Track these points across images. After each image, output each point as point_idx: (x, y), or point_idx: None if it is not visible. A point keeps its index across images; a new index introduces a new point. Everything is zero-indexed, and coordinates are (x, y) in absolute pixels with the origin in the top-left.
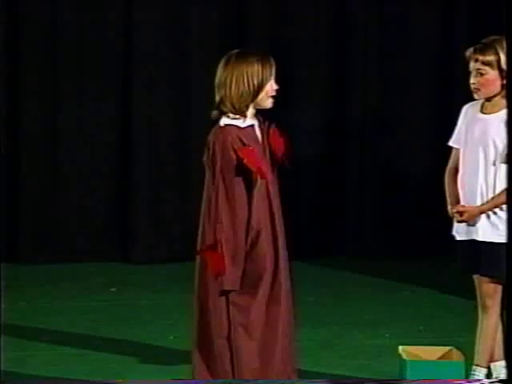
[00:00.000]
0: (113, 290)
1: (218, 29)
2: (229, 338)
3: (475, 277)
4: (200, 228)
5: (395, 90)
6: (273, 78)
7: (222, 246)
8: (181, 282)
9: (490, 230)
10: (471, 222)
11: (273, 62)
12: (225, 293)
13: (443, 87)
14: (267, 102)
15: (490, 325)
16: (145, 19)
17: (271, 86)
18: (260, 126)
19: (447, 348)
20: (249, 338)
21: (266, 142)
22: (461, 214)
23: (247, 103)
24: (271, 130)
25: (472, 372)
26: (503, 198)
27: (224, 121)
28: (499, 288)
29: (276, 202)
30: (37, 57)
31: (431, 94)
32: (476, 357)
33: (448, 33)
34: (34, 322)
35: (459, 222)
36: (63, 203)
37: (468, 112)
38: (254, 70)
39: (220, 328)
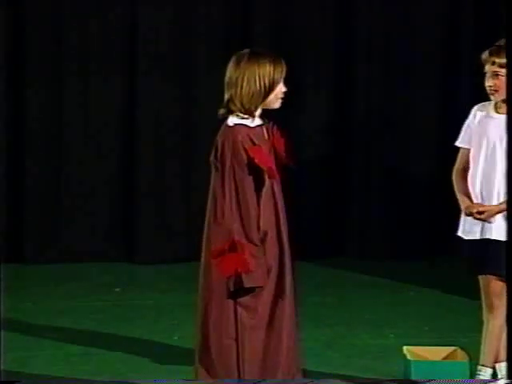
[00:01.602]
0: (117, 290)
1: (223, 27)
2: (236, 339)
3: (481, 277)
4: (205, 228)
5: (399, 90)
6: (283, 79)
7: (242, 247)
8: (185, 281)
9: (504, 229)
10: (491, 220)
11: (284, 64)
12: (232, 293)
13: (447, 88)
14: (276, 104)
15: (496, 325)
16: (150, 14)
17: (280, 88)
18: (265, 126)
19: (452, 348)
20: (256, 338)
21: (271, 142)
22: (480, 213)
23: (257, 104)
24: (274, 131)
25: (477, 372)
26: None
27: (233, 120)
28: (505, 287)
29: (281, 203)
30: (41, 51)
31: (435, 94)
32: (482, 357)
33: (452, 33)
34: (39, 321)
35: (478, 220)
36: (67, 203)
37: (480, 112)
38: (265, 71)
39: (227, 329)
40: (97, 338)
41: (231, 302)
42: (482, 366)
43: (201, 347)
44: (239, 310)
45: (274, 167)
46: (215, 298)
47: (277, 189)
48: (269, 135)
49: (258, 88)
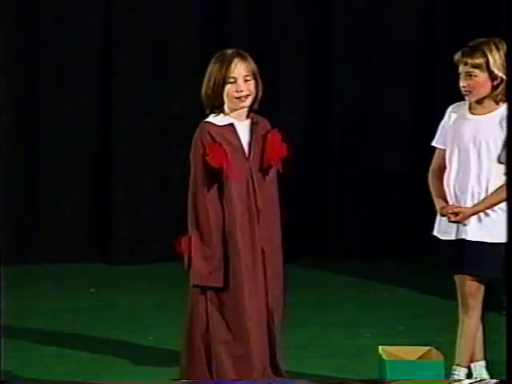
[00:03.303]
0: (92, 290)
1: (198, 28)
2: (207, 335)
3: (457, 277)
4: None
5: (374, 90)
6: (238, 78)
7: (191, 242)
8: (161, 282)
9: (479, 230)
10: (465, 222)
11: (233, 64)
12: (203, 290)
13: (422, 88)
14: (234, 104)
15: (471, 325)
16: (125, 16)
17: (231, 88)
18: (251, 128)
19: (427, 348)
20: (225, 335)
21: (258, 144)
22: (455, 214)
23: (213, 103)
24: (269, 134)
25: (452, 371)
26: (496, 198)
27: (207, 118)
28: (482, 288)
29: (260, 204)
30: (15, 51)
31: (410, 94)
32: (457, 356)
33: (428, 33)
34: (14, 322)
35: (453, 222)
36: (42, 204)
37: (454, 113)
38: (212, 72)
39: (198, 325)
40: (72, 339)
41: (203, 298)
42: (457, 365)
43: (184, 345)
44: (209, 306)
45: (227, 166)
46: (192, 295)
47: (256, 190)
48: (251, 137)
49: (209, 88)
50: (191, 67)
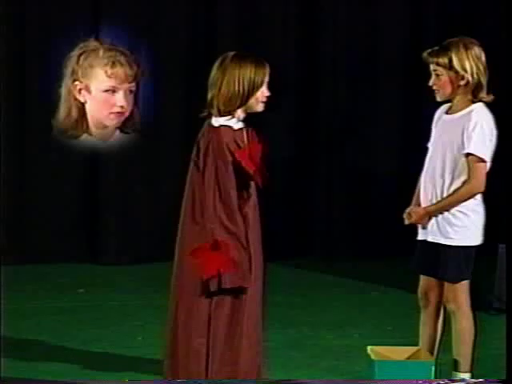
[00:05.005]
0: (81, 291)
1: (185, 31)
2: (208, 337)
3: (427, 278)
4: (180, 227)
5: (362, 91)
6: (265, 83)
7: (226, 247)
8: (149, 282)
9: (438, 232)
10: (422, 223)
11: (267, 68)
12: (209, 293)
13: (412, 89)
14: (257, 107)
15: (461, 329)
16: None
17: (262, 92)
18: (245, 130)
19: (415, 348)
20: (227, 337)
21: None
22: (409, 216)
23: (234, 107)
24: (251, 135)
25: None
26: (447, 201)
27: (218, 121)
28: (459, 290)
29: (257, 206)
30: (15, 49)
31: (400, 96)
32: (456, 363)
33: (417, 34)
34: (2, 323)
35: (409, 223)
36: (32, 204)
37: (437, 113)
38: (246, 75)
39: (199, 327)
40: (60, 339)
41: (207, 301)
42: (458, 371)
43: (169, 350)
44: (213, 309)
45: (259, 171)
46: (186, 298)
47: (256, 193)
48: (248, 139)
49: (237, 91)
50: (177, 72)
